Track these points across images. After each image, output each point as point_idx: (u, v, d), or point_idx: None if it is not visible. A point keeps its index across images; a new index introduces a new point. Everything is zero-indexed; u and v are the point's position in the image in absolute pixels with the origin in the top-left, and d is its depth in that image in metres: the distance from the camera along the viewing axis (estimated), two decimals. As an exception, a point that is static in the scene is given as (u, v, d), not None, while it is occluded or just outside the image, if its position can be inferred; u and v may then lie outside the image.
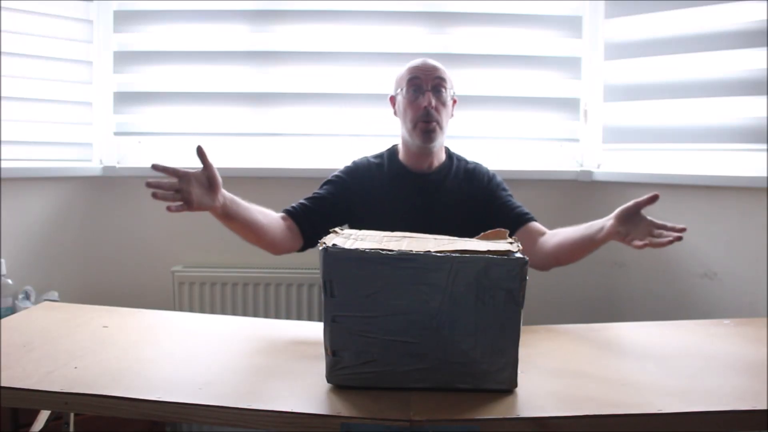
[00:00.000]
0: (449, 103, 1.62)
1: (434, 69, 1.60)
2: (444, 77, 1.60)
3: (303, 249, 1.59)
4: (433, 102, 1.57)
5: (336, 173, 1.68)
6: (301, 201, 1.61)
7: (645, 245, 1.27)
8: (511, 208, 1.63)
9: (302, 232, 1.56)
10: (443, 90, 1.59)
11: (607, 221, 1.38)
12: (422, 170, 1.65)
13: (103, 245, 2.21)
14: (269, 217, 1.52)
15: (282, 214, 1.57)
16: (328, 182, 1.66)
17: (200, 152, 1.33)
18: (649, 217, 1.34)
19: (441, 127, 1.60)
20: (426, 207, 1.61)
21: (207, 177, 1.34)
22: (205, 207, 1.34)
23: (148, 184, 1.27)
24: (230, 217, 1.41)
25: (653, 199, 1.31)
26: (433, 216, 1.57)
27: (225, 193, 1.38)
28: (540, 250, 1.52)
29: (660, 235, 1.28)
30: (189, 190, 1.30)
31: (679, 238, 1.26)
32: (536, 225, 1.60)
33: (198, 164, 1.34)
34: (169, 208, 1.28)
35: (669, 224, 1.30)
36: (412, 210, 1.60)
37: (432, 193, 1.63)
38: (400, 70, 1.65)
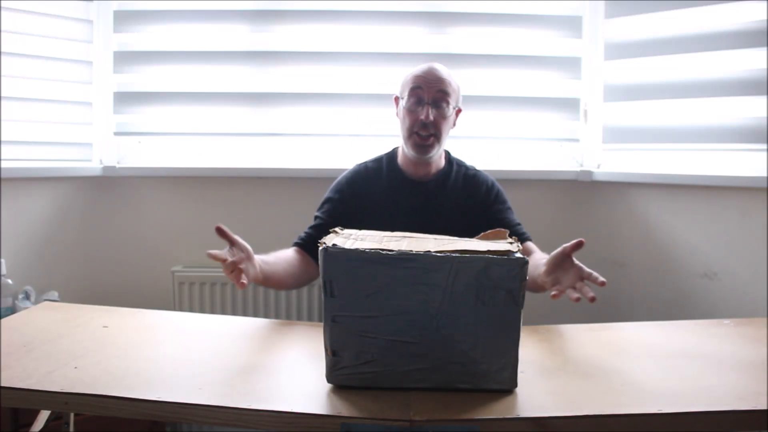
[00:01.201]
0: (450, 115, 1.58)
1: (438, 81, 1.55)
2: (447, 90, 1.56)
3: None
4: (431, 116, 1.54)
5: (334, 187, 1.67)
6: (307, 230, 1.61)
7: (557, 296, 1.22)
8: (508, 226, 1.58)
9: (316, 262, 1.56)
10: (444, 104, 1.55)
11: (541, 267, 1.32)
12: (420, 177, 1.64)
13: (103, 245, 2.21)
14: (289, 261, 1.53)
15: (295, 248, 1.58)
16: (328, 200, 1.65)
17: (220, 232, 1.30)
18: (577, 263, 1.26)
19: (439, 140, 1.57)
20: (424, 214, 1.60)
21: (241, 250, 1.33)
22: (252, 278, 1.34)
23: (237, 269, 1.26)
24: (268, 278, 1.42)
25: (578, 246, 1.25)
26: (431, 223, 1.54)
27: (256, 258, 1.37)
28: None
29: (581, 288, 1.22)
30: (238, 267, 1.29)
31: (593, 299, 1.18)
32: (530, 246, 1.57)
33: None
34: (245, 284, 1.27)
35: (594, 274, 1.22)
36: (410, 217, 1.58)
37: (430, 201, 1.62)
38: (408, 72, 1.61)
